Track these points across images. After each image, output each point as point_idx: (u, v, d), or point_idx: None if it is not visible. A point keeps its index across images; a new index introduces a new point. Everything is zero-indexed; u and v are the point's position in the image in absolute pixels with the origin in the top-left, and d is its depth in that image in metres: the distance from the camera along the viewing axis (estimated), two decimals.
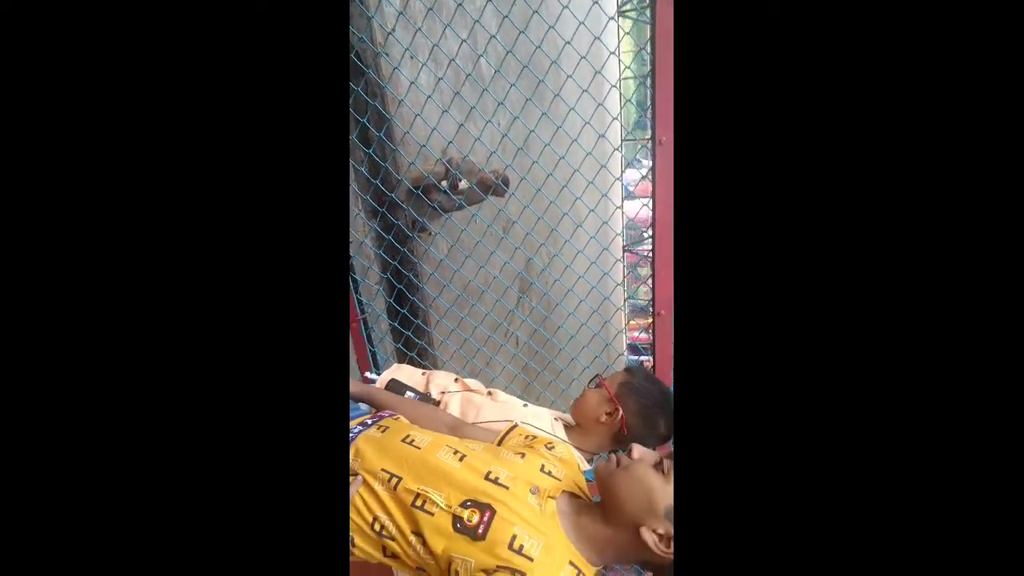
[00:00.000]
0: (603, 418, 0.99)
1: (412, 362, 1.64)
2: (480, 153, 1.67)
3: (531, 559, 0.60)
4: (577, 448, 0.96)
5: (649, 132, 1.17)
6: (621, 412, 0.97)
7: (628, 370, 1.06)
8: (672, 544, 0.63)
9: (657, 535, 0.62)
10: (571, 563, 0.63)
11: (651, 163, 1.19)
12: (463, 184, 1.45)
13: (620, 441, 0.99)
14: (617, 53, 1.30)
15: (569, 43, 1.12)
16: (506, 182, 1.25)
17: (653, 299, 1.27)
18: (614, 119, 1.28)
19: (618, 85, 1.34)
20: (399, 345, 1.64)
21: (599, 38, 1.17)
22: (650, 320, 1.34)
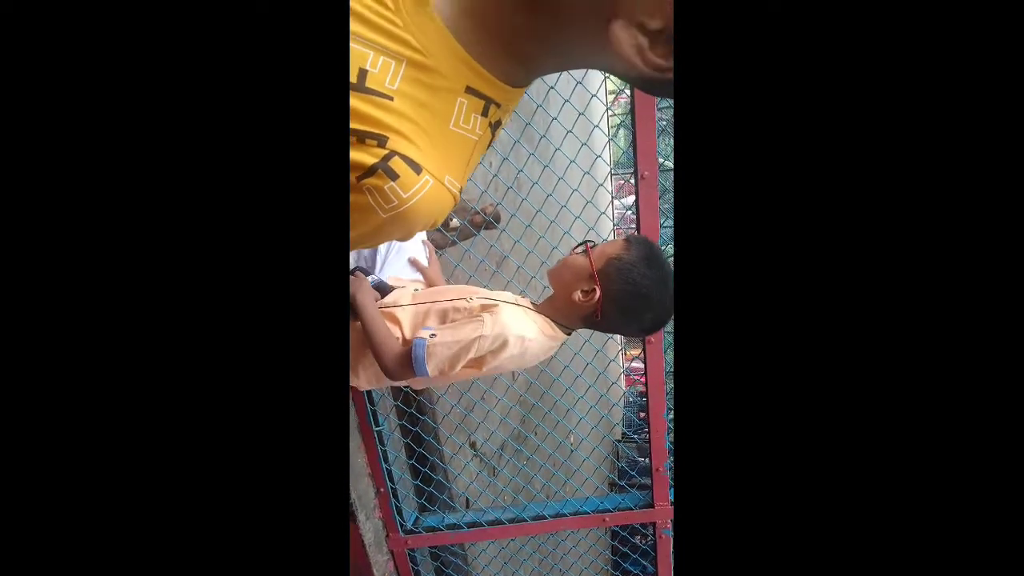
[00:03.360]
0: (578, 296, 0.84)
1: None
2: (472, 191, 1.72)
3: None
4: (548, 318, 0.88)
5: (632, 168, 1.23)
6: (598, 295, 0.82)
7: (628, 240, 0.86)
8: (671, 54, 0.35)
9: (639, 31, 0.34)
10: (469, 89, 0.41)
11: (634, 197, 1.25)
12: (454, 222, 1.50)
13: (593, 324, 0.87)
14: (604, 99, 1.37)
15: (553, 88, 1.19)
16: (496, 218, 1.30)
17: None
18: (597, 156, 1.35)
19: (607, 129, 1.41)
20: None
21: (580, 82, 1.24)
22: (642, 348, 1.37)
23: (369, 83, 0.40)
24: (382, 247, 1.12)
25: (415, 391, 1.68)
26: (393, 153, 0.40)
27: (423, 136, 0.42)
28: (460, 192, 0.45)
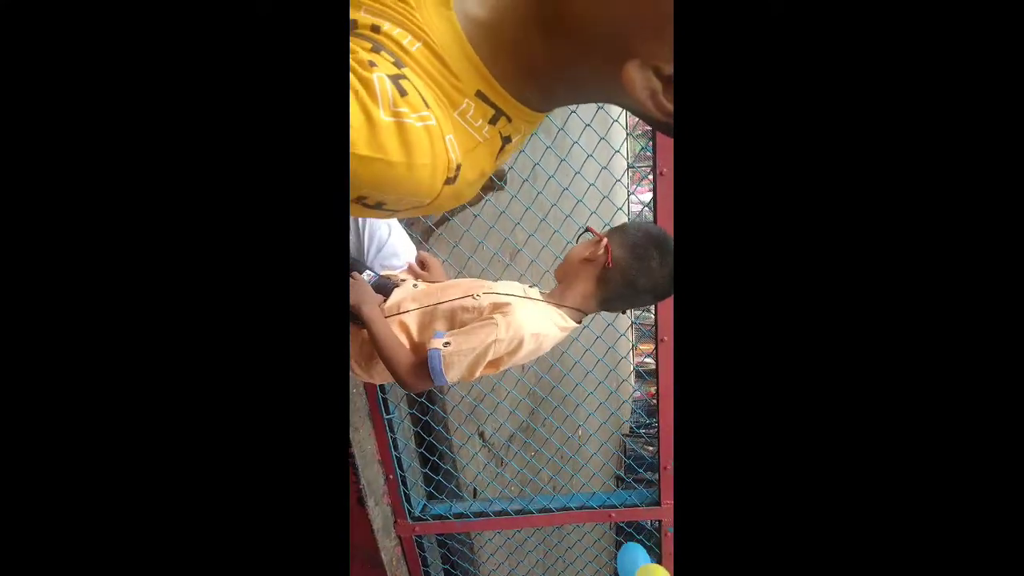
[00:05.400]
0: (587, 253, 0.87)
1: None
2: None
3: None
4: (558, 306, 0.89)
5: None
6: (606, 242, 0.86)
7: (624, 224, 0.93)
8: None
9: (654, 74, 0.35)
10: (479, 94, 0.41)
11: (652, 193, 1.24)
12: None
13: (606, 282, 0.88)
14: None
15: None
16: (500, 176, 1.27)
17: (656, 325, 1.30)
18: (615, 151, 1.34)
19: (626, 123, 1.39)
20: None
21: None
22: (655, 346, 1.36)
23: (384, 33, 0.39)
24: (364, 238, 1.08)
25: None
26: (406, 76, 0.39)
27: (429, 91, 0.41)
28: (458, 169, 0.42)
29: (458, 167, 0.42)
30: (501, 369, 0.86)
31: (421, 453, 1.70)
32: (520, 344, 0.83)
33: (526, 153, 1.40)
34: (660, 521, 1.57)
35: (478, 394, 1.79)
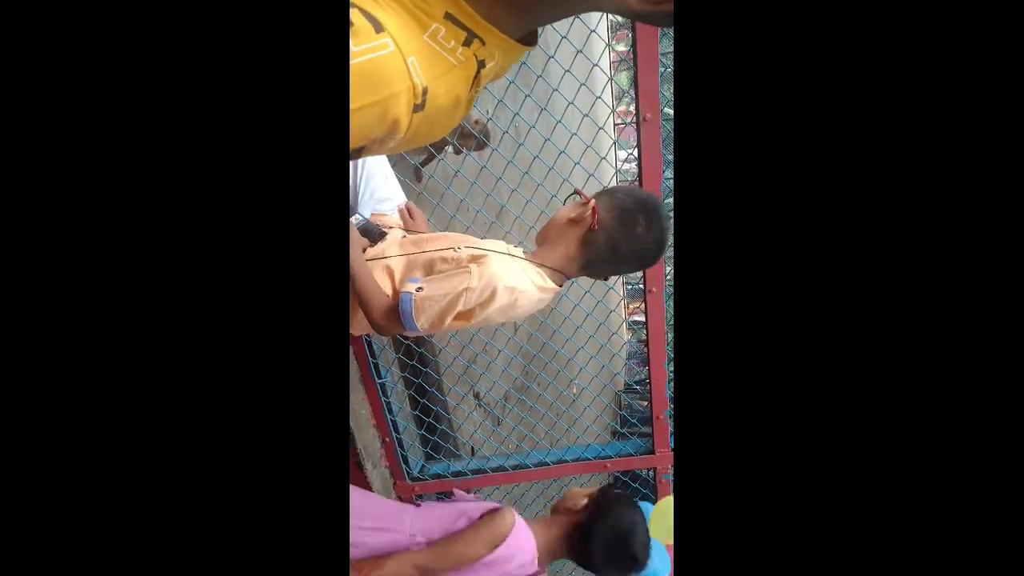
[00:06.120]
0: (573, 215, 0.86)
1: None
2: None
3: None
4: (539, 266, 0.87)
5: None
6: (593, 203, 0.84)
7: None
8: None
9: None
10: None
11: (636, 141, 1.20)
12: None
13: (590, 245, 0.86)
14: (604, 35, 1.30)
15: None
16: (486, 135, 1.24)
17: (644, 276, 1.28)
18: (597, 97, 1.29)
19: (609, 68, 1.34)
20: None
21: (578, 17, 1.17)
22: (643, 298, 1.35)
23: None
24: (360, 181, 1.07)
25: (416, 344, 1.69)
26: (354, 4, 0.38)
27: (393, 14, 0.40)
28: (425, 94, 0.41)
29: (424, 91, 0.41)
30: (474, 322, 0.84)
31: (416, 415, 1.71)
32: (492, 295, 0.81)
33: (505, 104, 1.35)
34: (655, 469, 1.61)
35: (470, 355, 1.79)
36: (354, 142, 0.41)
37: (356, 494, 1.18)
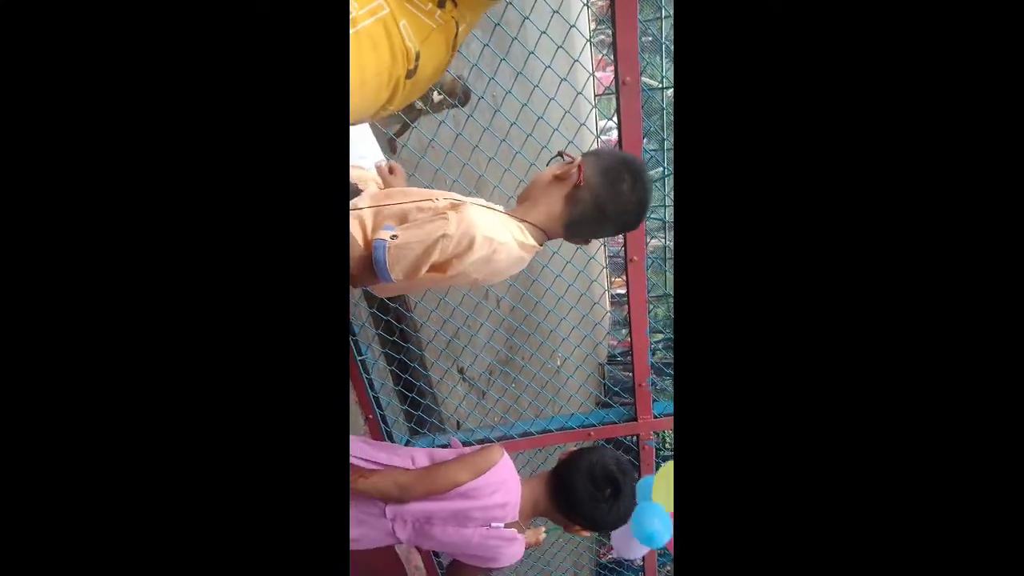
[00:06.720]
0: (558, 172, 0.84)
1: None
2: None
3: None
4: (520, 220, 0.85)
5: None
6: (579, 160, 0.82)
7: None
8: None
9: None
10: None
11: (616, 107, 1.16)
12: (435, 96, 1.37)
13: (575, 202, 0.84)
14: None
15: None
16: (464, 97, 1.20)
17: (625, 245, 1.27)
18: (575, 60, 1.24)
19: (588, 29, 1.29)
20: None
21: None
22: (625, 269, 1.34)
23: None
24: None
25: (397, 320, 1.66)
26: None
27: None
28: (417, 59, 0.42)
29: (417, 55, 0.42)
30: (450, 273, 0.80)
31: (399, 391, 1.70)
32: (471, 244, 0.77)
33: (480, 68, 1.30)
34: (637, 436, 1.63)
35: (452, 329, 1.77)
36: (356, 115, 0.43)
37: (357, 441, 1.15)
